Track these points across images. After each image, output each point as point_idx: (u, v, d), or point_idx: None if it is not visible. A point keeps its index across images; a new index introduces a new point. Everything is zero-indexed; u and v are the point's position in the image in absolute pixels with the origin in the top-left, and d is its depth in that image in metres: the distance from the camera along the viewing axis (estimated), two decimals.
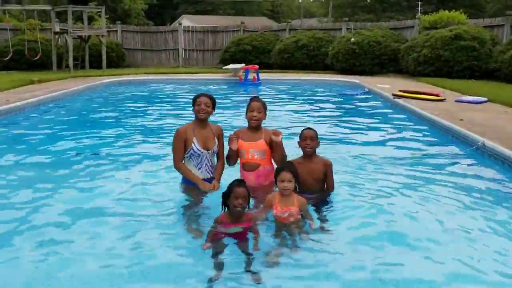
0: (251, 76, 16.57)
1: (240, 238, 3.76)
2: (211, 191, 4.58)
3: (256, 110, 4.61)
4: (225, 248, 3.65)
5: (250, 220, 3.87)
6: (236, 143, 4.60)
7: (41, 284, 3.24)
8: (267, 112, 4.75)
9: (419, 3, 42.89)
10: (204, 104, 4.63)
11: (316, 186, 4.53)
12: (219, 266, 3.40)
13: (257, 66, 17.21)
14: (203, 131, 4.69)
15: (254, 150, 4.62)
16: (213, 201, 4.33)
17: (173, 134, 4.73)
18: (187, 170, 4.68)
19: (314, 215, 4.22)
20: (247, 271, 3.35)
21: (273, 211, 4.01)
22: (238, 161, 4.77)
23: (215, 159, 4.85)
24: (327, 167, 4.55)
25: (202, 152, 4.65)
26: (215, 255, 3.56)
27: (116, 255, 3.61)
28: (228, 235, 3.77)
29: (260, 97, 4.90)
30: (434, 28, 18.27)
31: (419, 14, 27.71)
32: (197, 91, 5.04)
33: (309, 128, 4.62)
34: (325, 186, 4.61)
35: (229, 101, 12.43)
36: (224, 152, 4.85)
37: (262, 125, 4.75)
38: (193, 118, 4.77)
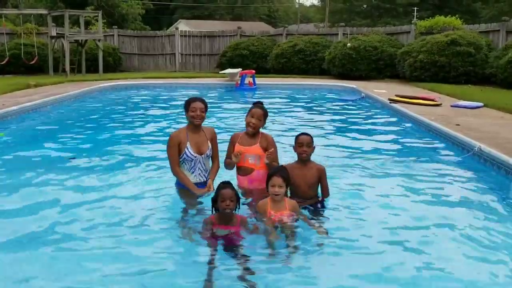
0: (247, 81, 16.58)
1: (232, 243, 3.75)
2: (206, 195, 4.58)
3: (256, 117, 4.61)
4: (218, 253, 3.64)
5: (241, 223, 3.86)
6: (239, 158, 4.59)
7: None
8: (266, 120, 4.75)
9: (415, 8, 43.13)
10: (199, 110, 4.62)
11: (309, 192, 4.50)
12: (211, 276, 3.37)
13: (253, 71, 17.24)
14: (196, 136, 4.69)
15: (248, 154, 4.63)
16: (207, 204, 4.34)
17: (168, 139, 4.72)
18: (184, 176, 4.68)
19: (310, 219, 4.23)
20: (241, 277, 3.32)
21: (266, 217, 3.98)
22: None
23: (209, 162, 4.85)
24: (321, 173, 4.53)
25: (195, 157, 4.65)
26: (211, 259, 3.54)
27: (110, 259, 3.58)
28: (221, 238, 3.76)
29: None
30: (429, 33, 18.36)
31: (415, 19, 27.85)
32: (194, 95, 5.01)
33: (305, 133, 4.59)
34: (319, 192, 4.59)
35: (225, 105, 12.41)
36: (219, 154, 4.86)
37: (262, 130, 4.75)
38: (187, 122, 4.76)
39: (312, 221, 4.14)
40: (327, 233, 3.94)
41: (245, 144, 4.66)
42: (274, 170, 4.12)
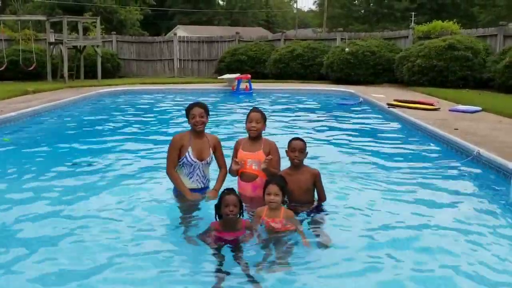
0: (243, 85, 16.61)
1: (238, 247, 3.75)
2: (207, 200, 4.58)
3: (255, 121, 4.60)
4: (224, 254, 3.66)
5: (245, 229, 3.86)
6: (238, 166, 4.59)
7: None
8: (266, 123, 4.74)
9: (413, 13, 43.27)
10: (199, 116, 4.62)
11: (304, 197, 4.49)
12: (221, 274, 3.39)
13: (249, 76, 17.26)
14: (199, 141, 4.69)
15: (252, 160, 4.61)
16: (206, 208, 4.34)
17: (167, 144, 4.72)
18: (177, 179, 4.67)
19: (307, 225, 4.23)
20: (248, 279, 3.33)
21: (259, 222, 4.00)
22: None
23: (209, 170, 4.84)
24: (315, 177, 4.51)
25: (195, 162, 4.64)
26: (218, 264, 3.55)
27: (110, 265, 3.57)
28: (226, 241, 3.77)
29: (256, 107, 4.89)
30: (427, 38, 18.41)
31: (412, 24, 27.92)
32: (193, 101, 5.01)
33: (298, 138, 4.57)
34: (315, 196, 4.58)
35: (221, 110, 12.42)
36: (226, 161, 4.88)
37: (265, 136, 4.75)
38: (189, 127, 4.76)
39: (302, 228, 4.09)
40: (309, 244, 3.87)
41: (248, 150, 4.65)
42: (271, 178, 4.13)
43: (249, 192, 4.57)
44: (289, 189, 4.37)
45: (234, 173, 4.75)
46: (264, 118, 4.68)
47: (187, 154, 4.61)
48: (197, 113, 4.62)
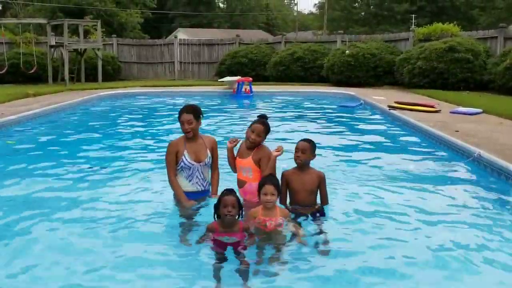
0: (244, 88, 16.62)
1: (236, 247, 3.75)
2: (195, 206, 4.59)
3: (256, 134, 4.54)
4: (225, 257, 3.66)
5: (243, 231, 3.86)
6: (233, 143, 4.65)
7: None
8: (267, 136, 4.69)
9: (413, 15, 43.33)
10: (186, 123, 4.56)
11: (308, 199, 4.48)
12: (218, 278, 3.39)
13: (250, 79, 17.27)
14: (194, 144, 4.69)
15: (242, 166, 4.65)
16: (206, 212, 4.34)
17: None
18: (176, 186, 4.67)
19: (309, 227, 4.21)
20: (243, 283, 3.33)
21: (255, 222, 4.00)
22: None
23: (208, 172, 4.84)
24: (320, 179, 4.51)
25: (193, 165, 4.63)
26: (217, 263, 3.55)
27: (110, 268, 3.57)
28: (227, 245, 3.76)
29: (259, 116, 4.79)
30: (428, 40, 18.43)
31: (413, 26, 27.95)
32: (185, 103, 4.99)
33: (304, 140, 4.57)
34: (318, 199, 4.57)
35: (221, 113, 12.39)
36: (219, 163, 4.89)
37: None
38: None
39: (301, 230, 4.08)
40: (305, 243, 3.88)
41: (241, 155, 4.68)
42: (265, 178, 4.13)
43: (242, 195, 4.59)
44: (294, 190, 4.40)
45: (230, 164, 4.75)
46: (266, 132, 4.62)
47: (183, 157, 4.61)
48: (185, 120, 4.56)
